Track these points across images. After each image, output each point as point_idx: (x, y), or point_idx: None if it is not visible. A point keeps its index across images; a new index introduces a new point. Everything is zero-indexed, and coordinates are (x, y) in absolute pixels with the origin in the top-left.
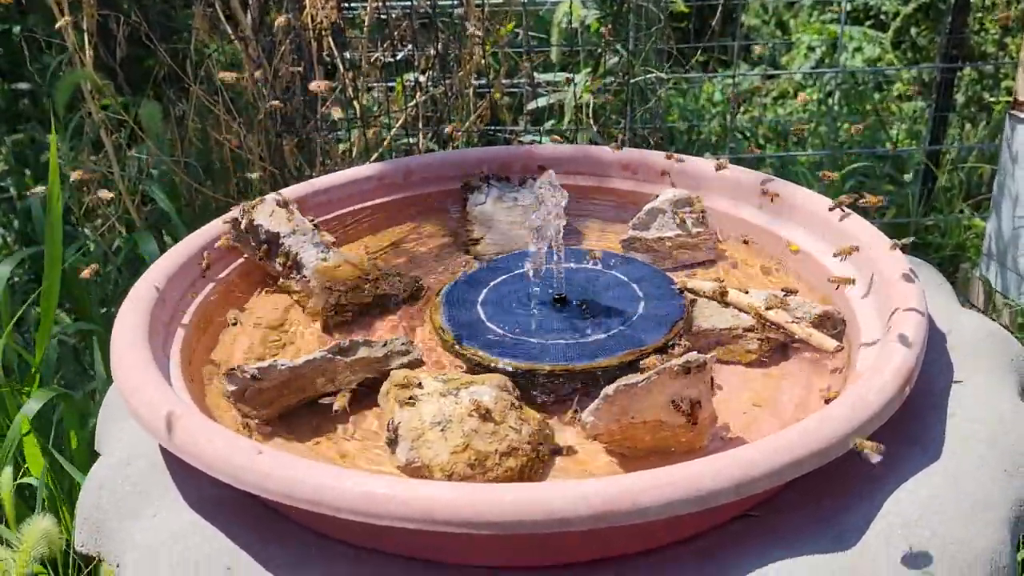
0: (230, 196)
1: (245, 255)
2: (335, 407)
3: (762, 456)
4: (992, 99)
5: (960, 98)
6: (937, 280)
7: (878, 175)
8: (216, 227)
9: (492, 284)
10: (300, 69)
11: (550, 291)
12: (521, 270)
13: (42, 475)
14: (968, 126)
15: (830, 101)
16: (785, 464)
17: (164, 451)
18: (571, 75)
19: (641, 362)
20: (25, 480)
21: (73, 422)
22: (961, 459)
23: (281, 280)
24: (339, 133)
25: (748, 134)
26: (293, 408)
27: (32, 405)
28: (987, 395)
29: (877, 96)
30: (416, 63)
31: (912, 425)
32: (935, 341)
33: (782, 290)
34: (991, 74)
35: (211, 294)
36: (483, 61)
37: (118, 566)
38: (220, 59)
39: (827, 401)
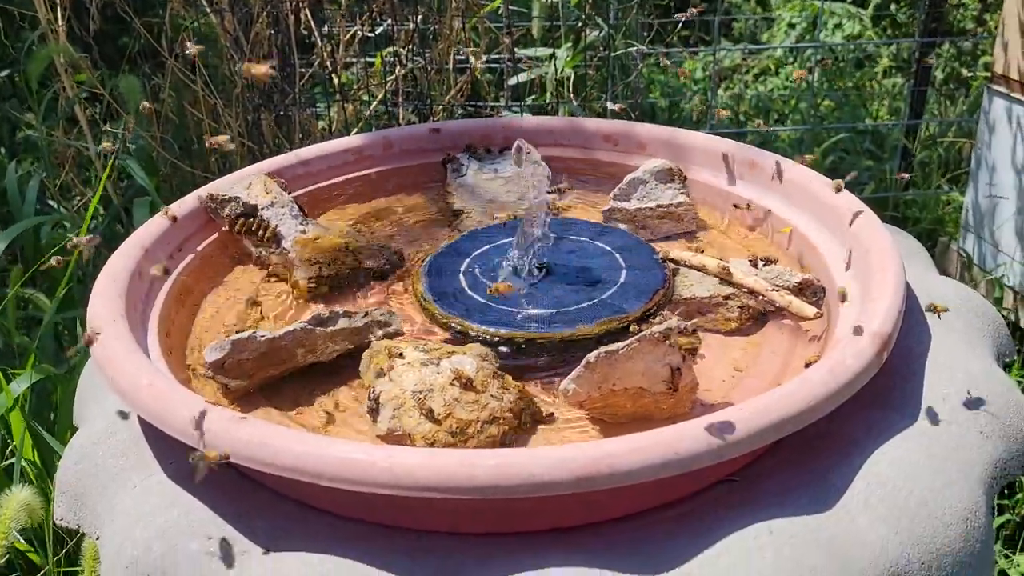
0: (209, 171)
1: (223, 228)
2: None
3: (742, 419)
4: (970, 75)
5: (939, 74)
6: (915, 248)
7: (858, 150)
8: (192, 200)
9: (474, 254)
10: (278, 43)
11: (532, 261)
12: (503, 240)
13: (20, 449)
14: (947, 102)
15: (811, 77)
16: (765, 427)
17: (143, 423)
18: (552, 49)
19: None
20: (11, 462)
21: (67, 402)
22: (937, 422)
23: (260, 253)
24: (318, 109)
25: (729, 111)
26: (274, 380)
27: (19, 384)
28: (963, 360)
29: (857, 73)
30: (395, 37)
31: (890, 389)
32: (913, 307)
33: (762, 259)
34: (969, 50)
35: (189, 267)
36: (463, 35)
37: (98, 538)
38: (196, 32)
39: (807, 366)
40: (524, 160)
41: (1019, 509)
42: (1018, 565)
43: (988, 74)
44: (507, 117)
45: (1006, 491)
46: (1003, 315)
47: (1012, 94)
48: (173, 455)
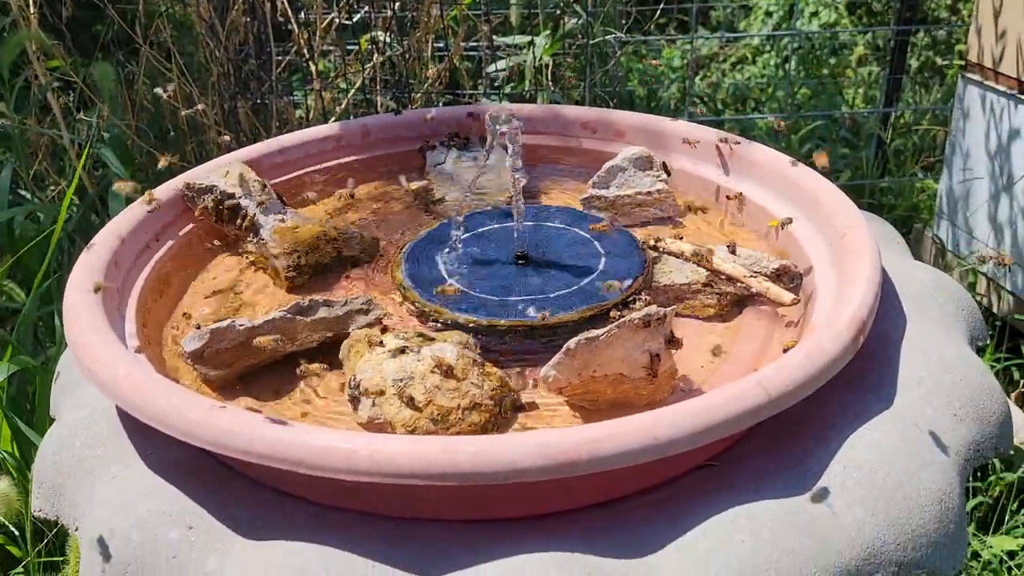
0: (186, 160)
1: (200, 217)
2: (299, 370)
3: (719, 405)
4: (944, 63)
5: (914, 63)
6: (890, 234)
7: (834, 138)
8: (169, 188)
9: (453, 242)
10: (254, 30)
11: (512, 248)
12: (482, 228)
13: None
14: (921, 91)
15: (787, 66)
16: (742, 412)
17: (121, 413)
18: (531, 37)
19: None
20: None
21: (46, 394)
22: (913, 405)
23: (238, 242)
24: (295, 97)
25: (707, 99)
26: (253, 369)
27: None
28: (938, 344)
29: (833, 61)
30: (373, 25)
31: (866, 373)
32: (888, 292)
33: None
34: (944, 39)
35: (165, 256)
36: (442, 25)
37: (77, 529)
38: (171, 19)
39: (785, 351)
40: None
41: (992, 492)
42: (991, 547)
43: (962, 62)
44: (485, 105)
45: (979, 474)
46: (976, 301)
47: (986, 82)
48: (152, 445)
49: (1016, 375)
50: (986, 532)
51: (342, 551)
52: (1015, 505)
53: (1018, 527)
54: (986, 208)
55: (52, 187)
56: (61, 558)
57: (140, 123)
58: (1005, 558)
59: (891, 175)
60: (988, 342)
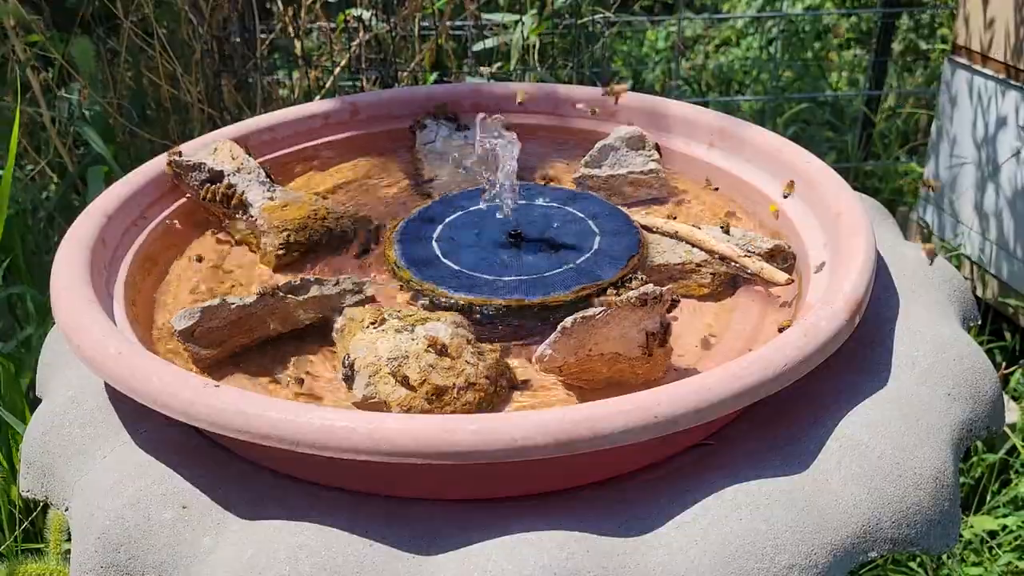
0: (168, 138)
1: (188, 195)
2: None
3: (719, 382)
4: (928, 47)
5: (897, 47)
6: (882, 215)
7: (819, 121)
8: (157, 165)
9: (446, 221)
10: (237, 6)
11: (505, 227)
12: (475, 207)
13: None
14: (905, 75)
15: (771, 48)
16: (741, 390)
17: (112, 392)
18: (517, 16)
19: (600, 296)
20: None
21: (11, 381)
22: (907, 385)
23: (227, 220)
24: (278, 76)
25: (691, 81)
26: (245, 348)
27: None
28: (930, 324)
29: (817, 44)
30: (359, 2)
31: (861, 353)
32: (881, 272)
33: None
34: (927, 23)
35: (152, 234)
36: (431, 6)
37: (67, 510)
38: None
39: (781, 330)
40: (489, 131)
41: (973, 473)
42: (972, 527)
43: (944, 47)
44: (477, 83)
45: (961, 455)
46: None
47: (974, 66)
48: (144, 424)
49: (999, 358)
50: (968, 512)
51: (339, 530)
52: (996, 486)
53: (999, 507)
54: (972, 192)
55: (31, 165)
56: (40, 544)
57: (122, 101)
58: (986, 538)
59: (875, 158)
60: (979, 322)
